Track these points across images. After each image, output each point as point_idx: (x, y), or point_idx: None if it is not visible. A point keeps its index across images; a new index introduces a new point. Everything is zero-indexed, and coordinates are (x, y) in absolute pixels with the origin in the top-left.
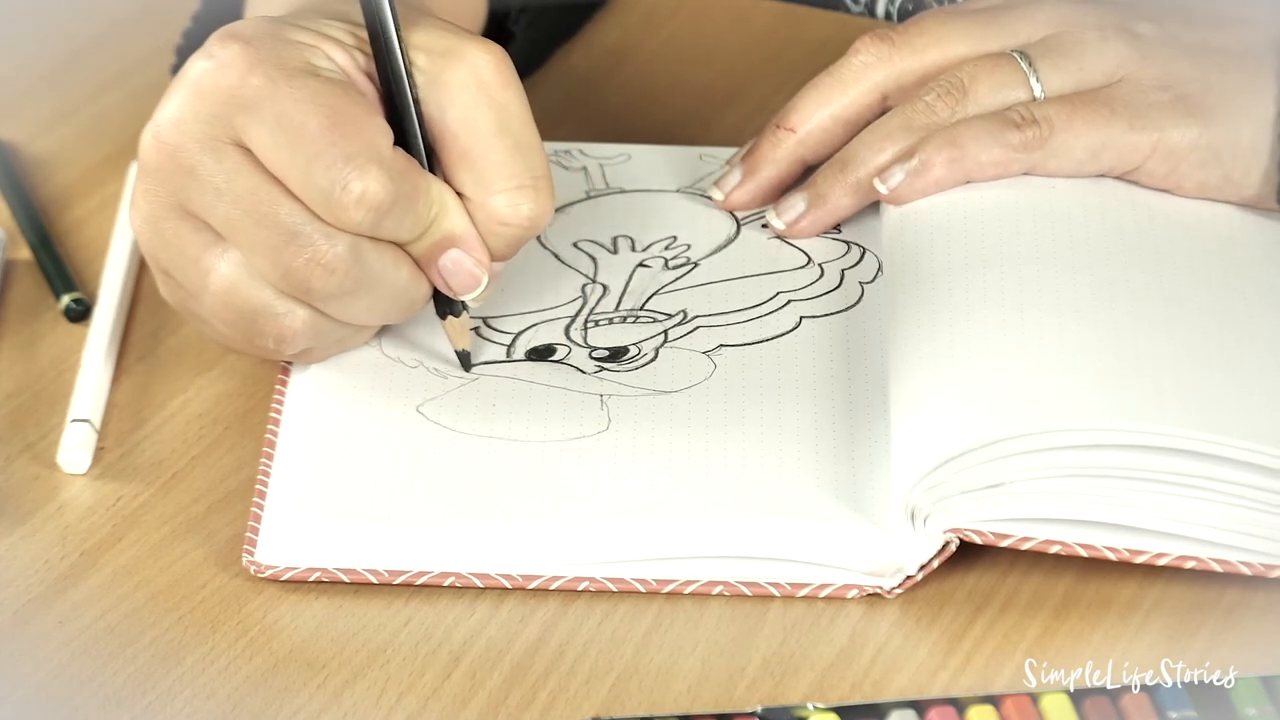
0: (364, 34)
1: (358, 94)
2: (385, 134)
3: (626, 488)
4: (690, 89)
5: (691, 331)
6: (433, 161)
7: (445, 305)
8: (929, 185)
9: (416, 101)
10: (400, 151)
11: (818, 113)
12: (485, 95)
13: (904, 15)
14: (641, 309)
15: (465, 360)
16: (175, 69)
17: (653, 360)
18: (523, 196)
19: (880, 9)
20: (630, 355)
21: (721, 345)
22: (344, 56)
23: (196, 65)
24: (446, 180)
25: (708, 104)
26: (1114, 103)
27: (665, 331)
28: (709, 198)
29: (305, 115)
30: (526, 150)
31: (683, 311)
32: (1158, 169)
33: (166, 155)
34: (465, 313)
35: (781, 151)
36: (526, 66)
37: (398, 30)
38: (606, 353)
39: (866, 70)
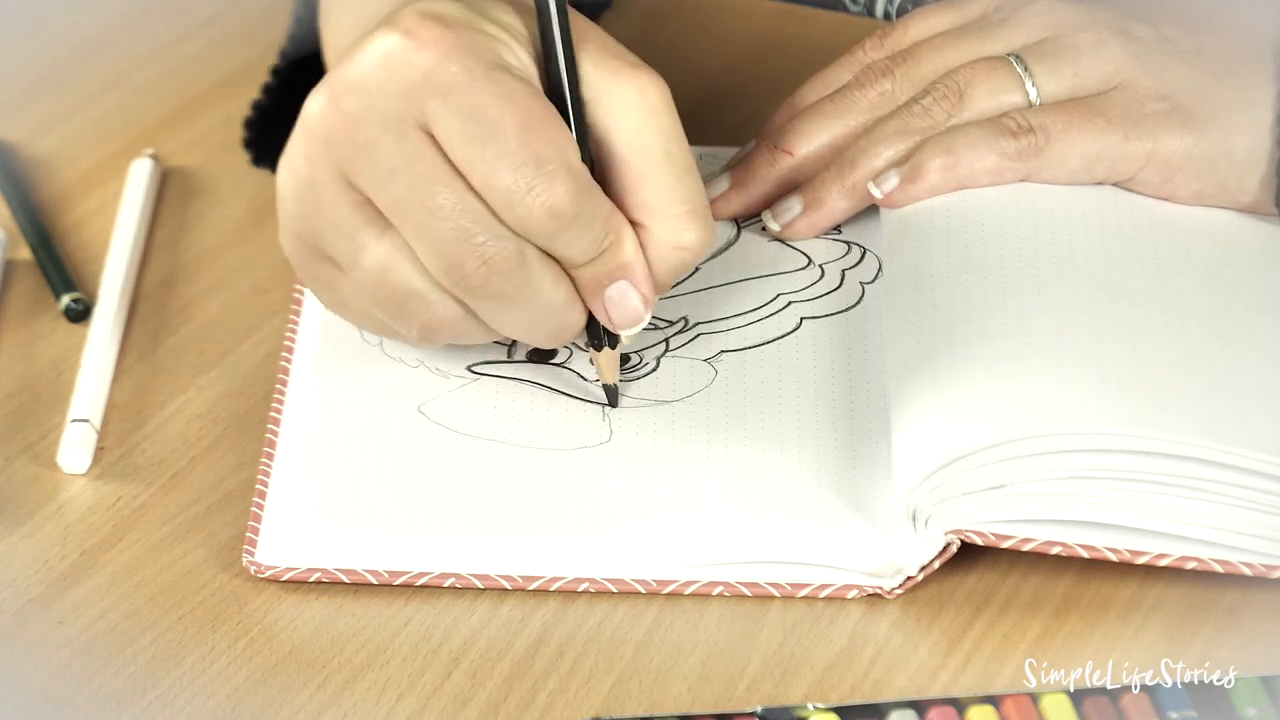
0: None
1: (547, 100)
2: (574, 145)
3: (629, 499)
4: (690, 89)
5: (693, 339)
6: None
7: (597, 336)
8: (923, 191)
9: (583, 120)
10: (585, 166)
11: (817, 140)
12: (653, 120)
13: (902, 15)
14: None
15: (613, 395)
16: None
17: (654, 370)
18: (693, 222)
19: (879, 9)
20: (632, 364)
21: (722, 351)
22: (529, 59)
23: (389, 39)
24: None
25: (708, 104)
26: (1110, 112)
27: (666, 340)
28: None
29: (501, 111)
30: (692, 177)
31: (684, 319)
32: (1152, 178)
33: (343, 124)
34: (617, 347)
35: (776, 171)
36: None
37: (570, 44)
38: None
39: (870, 105)
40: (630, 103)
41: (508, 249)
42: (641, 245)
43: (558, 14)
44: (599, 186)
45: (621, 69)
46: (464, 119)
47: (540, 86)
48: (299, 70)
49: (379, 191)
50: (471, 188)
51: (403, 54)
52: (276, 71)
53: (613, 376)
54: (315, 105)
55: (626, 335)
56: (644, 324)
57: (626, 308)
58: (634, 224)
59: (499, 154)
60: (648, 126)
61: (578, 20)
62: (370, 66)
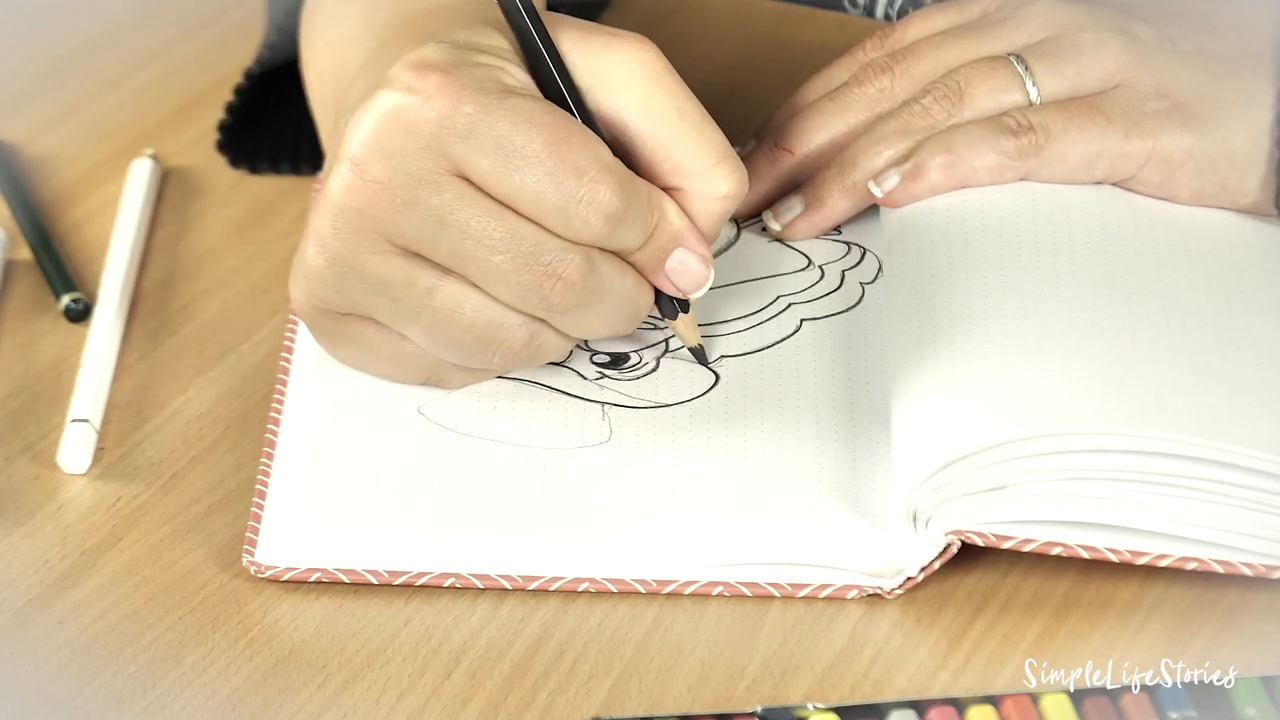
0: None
1: (559, 108)
2: (602, 144)
3: (628, 499)
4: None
5: None
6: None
7: (669, 306)
8: (923, 190)
9: (585, 107)
10: (619, 160)
11: (818, 138)
12: (656, 84)
13: (902, 16)
14: None
15: (701, 355)
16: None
17: (654, 370)
18: (725, 169)
19: (879, 10)
20: (631, 363)
21: (723, 356)
22: (524, 74)
23: (392, 98)
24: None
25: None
26: (1110, 110)
27: (666, 340)
28: None
29: (527, 136)
30: (710, 127)
31: None
32: (1152, 177)
33: (374, 193)
34: (690, 310)
35: (776, 170)
36: None
37: (549, 36)
38: (607, 358)
39: (869, 102)
40: (628, 75)
41: (576, 260)
42: (683, 207)
43: (529, 17)
44: (632, 171)
45: (608, 45)
46: (494, 154)
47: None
48: (271, 72)
49: (431, 246)
50: (521, 214)
51: (413, 111)
52: (249, 74)
53: (696, 337)
54: (340, 181)
55: (697, 296)
56: (711, 281)
57: (689, 273)
58: (670, 189)
59: (539, 176)
60: (653, 92)
61: (547, 14)
62: (385, 130)
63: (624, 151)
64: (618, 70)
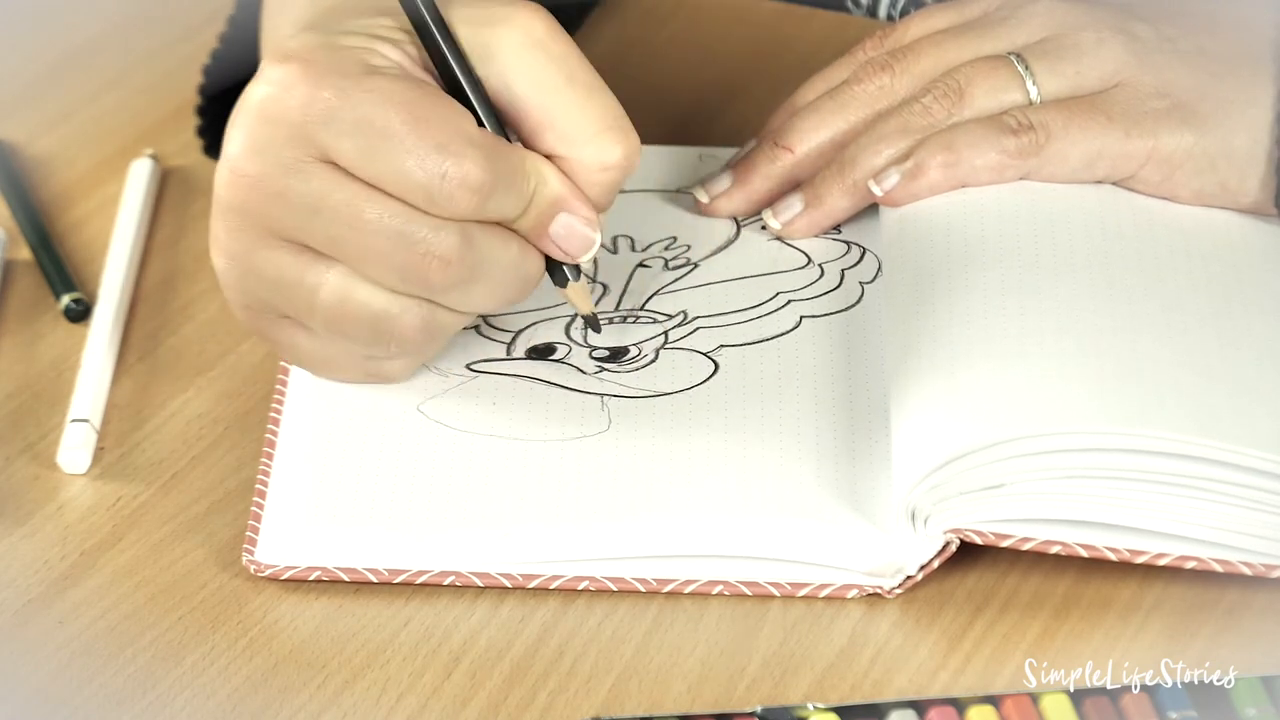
0: (408, 26)
1: (425, 84)
2: (466, 116)
3: (627, 489)
4: (690, 89)
5: (692, 333)
6: (509, 134)
7: (560, 273)
8: (923, 189)
9: (475, 79)
10: (486, 130)
11: (817, 136)
12: (543, 53)
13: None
14: (641, 309)
15: (594, 323)
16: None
17: (653, 361)
18: (612, 139)
19: (882, 11)
20: (631, 356)
21: (722, 346)
22: (397, 52)
23: (257, 92)
24: (531, 149)
25: (708, 104)
26: (1111, 110)
27: (665, 332)
28: (694, 197)
29: (386, 115)
30: (600, 94)
31: (683, 312)
32: (1152, 176)
33: (249, 187)
34: (583, 276)
35: (776, 168)
36: None
37: (438, 11)
38: (607, 353)
39: (869, 99)
40: (515, 44)
41: (451, 238)
42: (570, 175)
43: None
44: (504, 140)
45: (494, 16)
46: (355, 137)
47: (422, 71)
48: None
49: (309, 234)
50: (390, 195)
51: (275, 102)
52: (206, 71)
53: (589, 306)
54: (220, 179)
55: (586, 261)
56: (599, 243)
57: (575, 237)
58: (556, 157)
59: (401, 155)
60: (537, 60)
61: None
62: (252, 125)
63: (514, 121)
64: (505, 40)
